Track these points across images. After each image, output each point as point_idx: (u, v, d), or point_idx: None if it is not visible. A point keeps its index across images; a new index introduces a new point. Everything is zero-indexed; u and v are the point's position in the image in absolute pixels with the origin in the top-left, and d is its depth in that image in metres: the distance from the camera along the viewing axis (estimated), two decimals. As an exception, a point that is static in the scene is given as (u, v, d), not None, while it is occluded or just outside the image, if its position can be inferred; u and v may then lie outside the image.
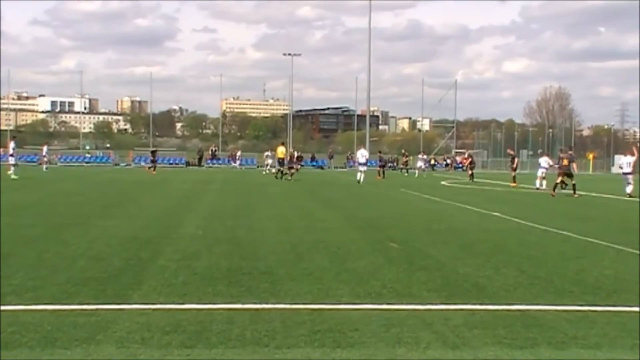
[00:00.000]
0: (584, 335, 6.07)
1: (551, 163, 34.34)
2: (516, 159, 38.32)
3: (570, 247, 12.17)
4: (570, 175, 28.08)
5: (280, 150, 39.93)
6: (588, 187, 32.17)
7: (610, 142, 76.72)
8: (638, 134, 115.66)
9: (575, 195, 26.89)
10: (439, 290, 7.95)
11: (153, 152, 51.72)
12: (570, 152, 29.83)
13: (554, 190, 27.72)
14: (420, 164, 53.36)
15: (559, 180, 28.31)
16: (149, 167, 47.64)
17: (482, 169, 67.84)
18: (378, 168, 45.34)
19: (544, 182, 33.17)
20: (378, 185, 34.55)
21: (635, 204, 24.03)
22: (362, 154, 35.50)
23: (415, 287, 8.13)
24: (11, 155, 36.07)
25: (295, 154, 41.94)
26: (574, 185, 27.62)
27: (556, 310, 7.01)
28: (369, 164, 39.69)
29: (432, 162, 72.30)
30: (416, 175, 49.18)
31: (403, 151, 60.10)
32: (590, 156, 67.38)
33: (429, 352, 5.53)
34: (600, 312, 7.01)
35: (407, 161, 57.19)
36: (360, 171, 35.46)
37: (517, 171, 37.63)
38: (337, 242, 11.91)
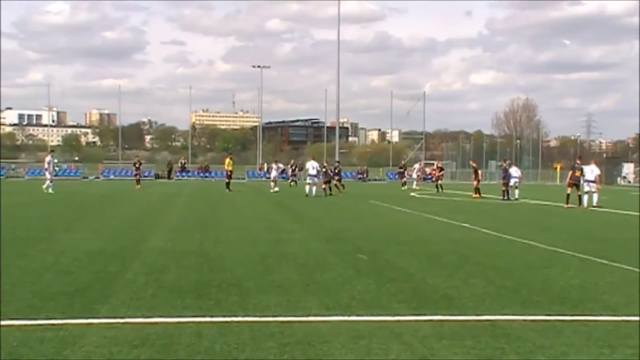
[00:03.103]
0: (551, 345, 6.12)
1: (519, 173, 34.69)
2: (479, 171, 38.28)
3: (537, 257, 12.29)
4: (578, 186, 28.09)
5: (228, 162, 40.63)
6: (555, 197, 32.52)
7: (576, 153, 77.75)
8: (604, 145, 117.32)
9: (567, 206, 26.98)
10: (408, 301, 7.98)
11: (135, 164, 46.87)
12: (578, 162, 29.54)
13: (573, 202, 27.40)
14: (415, 174, 52.42)
15: (569, 191, 27.83)
16: (137, 180, 44.28)
17: (450, 179, 68.26)
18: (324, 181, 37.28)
19: (517, 192, 33.45)
20: (346, 196, 34.56)
21: (596, 214, 24.36)
22: (312, 166, 34.70)
23: (385, 298, 8.15)
24: (46, 169, 35.73)
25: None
26: (579, 196, 27.70)
27: (524, 320, 7.07)
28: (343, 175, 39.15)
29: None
30: (414, 186, 48.75)
31: (402, 163, 58.55)
32: (557, 167, 68.11)
33: (398, 363, 5.54)
34: (567, 321, 7.07)
35: (402, 173, 54.15)
36: (309, 183, 34.11)
37: (485, 182, 37.82)
38: (305, 254, 11.91)
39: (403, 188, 47.19)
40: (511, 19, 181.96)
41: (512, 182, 34.02)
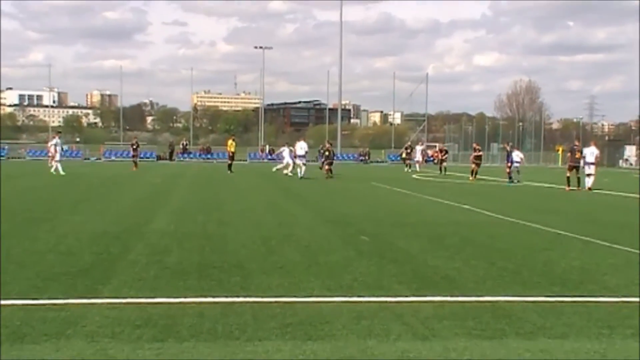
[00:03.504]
0: (552, 325, 6.16)
1: (522, 156, 34.55)
2: (480, 154, 37.90)
3: (539, 239, 12.32)
4: (578, 169, 28.13)
5: (230, 144, 40.49)
6: (557, 180, 32.48)
7: (579, 136, 77.61)
8: (606, 127, 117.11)
9: (569, 189, 27.02)
10: (409, 282, 8.01)
11: (132, 145, 46.43)
12: (577, 144, 29.52)
13: (574, 185, 27.45)
14: (419, 156, 51.91)
15: (569, 174, 27.87)
16: (134, 162, 43.65)
17: (453, 162, 68.20)
18: (321, 163, 39.36)
19: (519, 175, 33.40)
20: (348, 179, 34.58)
21: (598, 196, 24.37)
22: (300, 147, 34.57)
23: (386, 279, 8.18)
24: (54, 151, 35.70)
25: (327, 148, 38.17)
26: (578, 179, 27.75)
27: (524, 302, 7.11)
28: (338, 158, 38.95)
29: (404, 155, 72.40)
30: (417, 168, 48.59)
31: (409, 144, 58.12)
32: (560, 149, 68.06)
33: (399, 343, 5.58)
34: (568, 302, 7.12)
35: (409, 153, 52.99)
36: (297, 164, 33.92)
37: (486, 164, 37.54)
38: (308, 236, 11.94)
39: (407, 170, 47.09)
40: (516, 0, 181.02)
41: (513, 166, 33.92)
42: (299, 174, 33.23)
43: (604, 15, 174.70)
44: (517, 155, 34.61)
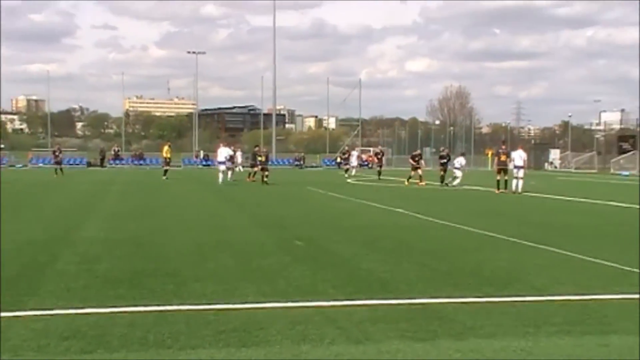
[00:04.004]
0: (481, 325, 6.28)
1: (462, 163, 34.94)
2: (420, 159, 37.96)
3: (469, 240, 12.56)
4: (506, 171, 28.68)
5: (166, 150, 40.20)
6: (487, 182, 33.09)
7: (505, 139, 79.31)
8: (532, 131, 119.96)
9: (499, 192, 27.59)
10: (343, 286, 8.06)
11: (55, 152, 45.13)
12: (504, 147, 30.17)
13: (502, 188, 28.03)
14: (354, 161, 52.00)
15: (499, 177, 28.54)
16: (55, 169, 42.46)
17: (387, 166, 68.84)
18: (253, 167, 37.71)
19: (457, 180, 33.48)
20: (283, 184, 34.59)
21: (525, 198, 24.96)
22: (221, 152, 34.51)
23: (321, 284, 8.21)
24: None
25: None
26: (505, 181, 28.26)
27: (455, 302, 7.23)
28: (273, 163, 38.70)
29: (338, 160, 72.74)
30: (353, 173, 48.66)
31: (346, 148, 58.02)
32: (489, 153, 69.44)
33: (333, 347, 5.61)
34: (496, 302, 7.28)
35: (346, 158, 53.34)
36: (221, 171, 33.82)
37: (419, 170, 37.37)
38: (242, 241, 11.91)
39: (345, 175, 47.02)
40: (445, 8, 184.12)
41: (458, 172, 33.95)
42: (224, 179, 33.09)
43: (528, 23, 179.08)
44: (458, 162, 34.99)
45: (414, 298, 7.40)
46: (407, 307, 7.02)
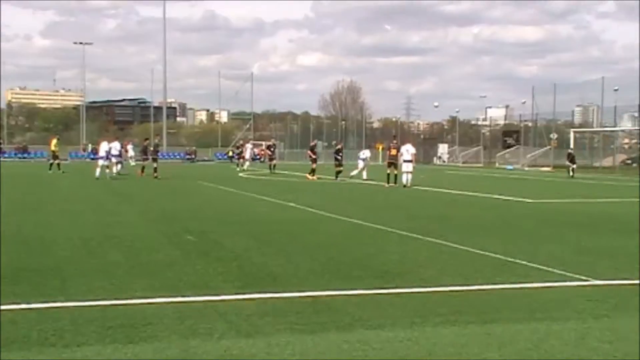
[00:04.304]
0: (369, 317, 6.40)
1: (368, 155, 35.45)
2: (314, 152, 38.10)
3: (360, 234, 12.77)
4: (396, 165, 29.16)
5: (54, 143, 39.05)
6: (378, 176, 33.65)
7: (396, 134, 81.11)
8: (422, 126, 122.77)
9: (388, 185, 28.05)
10: (234, 280, 8.05)
11: None
12: (395, 142, 30.63)
13: (392, 181, 28.50)
14: (248, 154, 51.48)
15: (389, 171, 29.03)
16: None
17: (279, 160, 69.03)
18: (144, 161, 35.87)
19: (364, 173, 33.99)
20: (174, 178, 34.12)
21: (415, 192, 25.58)
22: (103, 147, 34.05)
23: (211, 278, 8.18)
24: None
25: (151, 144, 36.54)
26: (395, 175, 28.71)
27: (345, 295, 7.34)
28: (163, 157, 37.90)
29: (230, 154, 72.34)
30: (246, 165, 48.16)
31: (241, 142, 57.09)
32: (380, 147, 70.62)
33: (222, 342, 5.59)
34: (385, 294, 7.43)
35: (240, 152, 51.83)
36: (99, 165, 33.02)
37: (309, 162, 37.55)
38: (131, 236, 11.69)
39: (238, 169, 46.59)
40: (336, 3, 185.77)
41: (361, 163, 34.47)
42: (104, 174, 32.22)
43: (417, 20, 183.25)
44: (363, 154, 35.45)
45: (304, 291, 7.46)
46: (297, 300, 7.08)
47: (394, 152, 29.37)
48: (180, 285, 7.72)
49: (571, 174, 42.81)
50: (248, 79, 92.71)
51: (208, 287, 7.66)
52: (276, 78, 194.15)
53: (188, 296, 7.14)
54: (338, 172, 33.64)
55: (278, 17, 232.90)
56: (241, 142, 58.48)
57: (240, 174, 39.95)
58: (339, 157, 34.60)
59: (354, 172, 33.79)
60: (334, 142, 37.68)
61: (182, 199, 21.42)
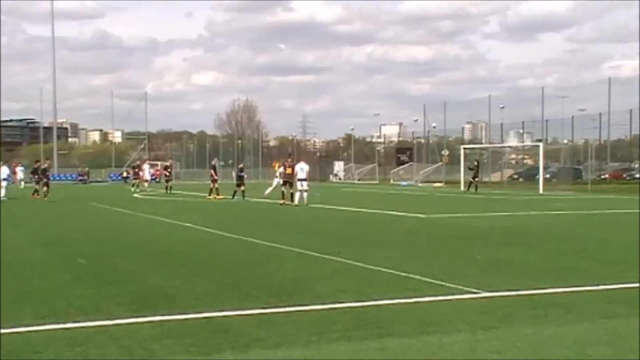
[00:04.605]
0: (266, 336, 6.39)
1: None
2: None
3: (257, 253, 12.76)
4: (291, 184, 29.14)
5: None
6: (275, 195, 33.67)
7: (290, 152, 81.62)
8: (318, 144, 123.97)
9: (282, 202, 28.10)
10: (128, 303, 7.89)
11: None
12: (290, 160, 30.70)
13: (288, 199, 28.49)
14: (147, 175, 50.24)
15: (283, 189, 29.03)
16: None
17: (175, 180, 68.16)
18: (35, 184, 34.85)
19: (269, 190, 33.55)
20: (67, 200, 33.14)
21: (311, 210, 25.77)
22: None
23: (104, 302, 7.99)
24: None
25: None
26: (291, 194, 28.72)
27: (241, 315, 7.31)
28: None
29: (125, 174, 70.89)
30: (146, 186, 46.91)
31: (138, 162, 55.47)
32: (276, 165, 70.85)
33: (115, 367, 5.47)
34: (281, 313, 7.43)
35: (137, 172, 50.08)
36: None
37: (208, 182, 37.17)
38: (19, 261, 11.30)
39: (133, 189, 45.44)
40: (231, 22, 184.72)
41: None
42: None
43: (311, 39, 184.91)
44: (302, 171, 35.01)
45: (201, 312, 7.40)
46: (193, 322, 7.01)
47: (289, 170, 29.51)
48: (70, 310, 7.50)
49: (472, 189, 43.05)
50: (142, 98, 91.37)
51: (100, 311, 7.48)
52: (171, 97, 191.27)
53: (79, 322, 6.94)
54: (239, 192, 33.02)
55: (172, 36, 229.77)
56: (137, 162, 57.28)
57: (136, 195, 39.17)
58: (242, 176, 34.33)
59: (268, 191, 33.40)
60: (240, 166, 36.69)
61: (74, 221, 20.84)
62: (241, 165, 36.40)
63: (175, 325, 6.89)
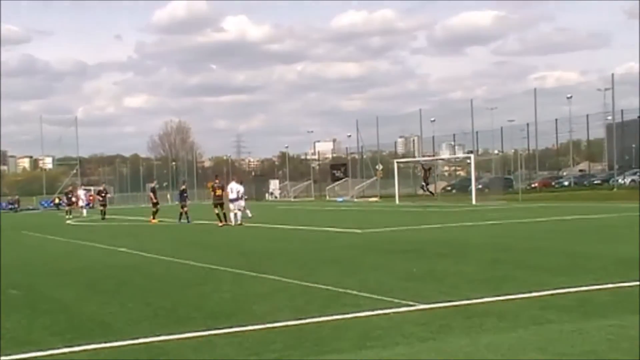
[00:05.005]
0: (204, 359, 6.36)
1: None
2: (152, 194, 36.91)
3: (193, 275, 12.65)
4: (222, 205, 28.98)
5: None
6: (211, 216, 33.47)
7: (229, 172, 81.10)
8: (253, 163, 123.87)
9: (221, 224, 27.95)
10: (62, 333, 7.73)
11: None
12: (217, 181, 30.74)
13: (223, 220, 28.37)
14: (82, 201, 49.02)
15: (216, 211, 28.84)
16: None
17: (110, 205, 67.10)
18: None
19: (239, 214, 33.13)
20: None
21: (247, 229, 25.71)
22: None
23: (37, 333, 7.82)
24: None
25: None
26: (225, 214, 28.53)
27: (179, 339, 7.24)
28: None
29: (57, 201, 69.42)
30: (84, 213, 45.74)
31: (70, 188, 53.88)
32: (210, 186, 70.40)
33: (50, 399, 5.36)
34: (220, 335, 7.39)
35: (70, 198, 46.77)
36: None
37: (144, 205, 37.01)
38: (-53, 295, 10.93)
39: (67, 216, 44.27)
40: (160, 43, 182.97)
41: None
42: None
43: (242, 58, 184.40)
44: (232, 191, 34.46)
45: (137, 338, 7.30)
46: (130, 348, 6.92)
47: (218, 192, 29.43)
48: (2, 344, 7.31)
49: (428, 193, 43.19)
50: (72, 123, 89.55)
51: (33, 342, 7.31)
52: (102, 121, 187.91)
53: (11, 354, 6.78)
54: (184, 214, 32.37)
55: (101, 59, 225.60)
56: (69, 188, 55.98)
57: (69, 222, 38.36)
58: (185, 197, 33.84)
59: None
60: (183, 187, 36.03)
61: (5, 251, 20.28)
62: (183, 187, 35.92)
63: (112, 352, 6.79)
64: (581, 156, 78.83)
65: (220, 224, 28.13)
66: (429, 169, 46.84)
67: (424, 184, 44.32)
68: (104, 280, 12.16)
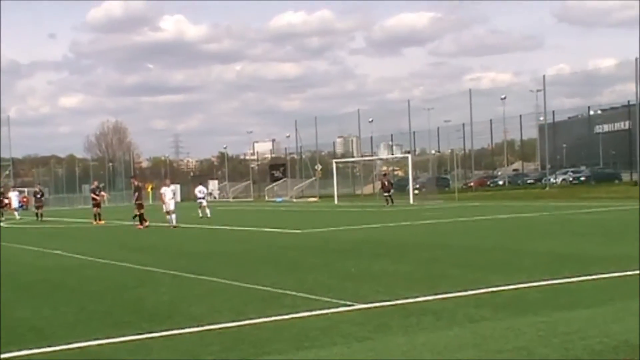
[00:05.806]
0: (140, 364, 6.28)
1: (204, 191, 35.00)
2: (99, 195, 36.11)
3: (130, 277, 12.48)
4: (142, 206, 28.75)
5: None
6: (154, 217, 33.07)
7: (167, 173, 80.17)
8: (192, 163, 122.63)
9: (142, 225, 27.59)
10: (-8, 339, 7.53)
11: None
12: (136, 183, 30.91)
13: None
14: (15, 203, 47.54)
15: (138, 212, 28.51)
16: None
17: (45, 206, 65.66)
18: None
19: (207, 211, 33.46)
20: None
21: (184, 231, 25.49)
22: None
23: (-34, 340, 7.59)
24: None
25: None
26: (141, 215, 28.24)
27: (115, 343, 7.13)
28: None
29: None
30: (17, 216, 44.38)
31: (1, 190, 51.97)
32: (150, 187, 69.47)
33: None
34: (156, 338, 7.29)
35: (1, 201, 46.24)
36: None
37: (80, 206, 36.30)
38: None
39: (2, 219, 42.97)
40: (96, 42, 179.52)
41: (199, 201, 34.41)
42: None
43: (180, 58, 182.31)
44: (200, 192, 35.01)
45: (72, 342, 7.15)
46: (64, 353, 6.79)
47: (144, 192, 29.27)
48: None
49: (389, 202, 40.71)
50: (4, 123, 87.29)
51: (-38, 350, 7.10)
52: (36, 121, 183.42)
53: (-61, 362, 6.58)
54: (139, 215, 31.60)
55: (34, 58, 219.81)
56: (1, 189, 54.42)
57: (2, 224, 37.38)
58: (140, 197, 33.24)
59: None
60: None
61: None
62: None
63: (45, 357, 6.66)
64: (515, 156, 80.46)
65: (138, 226, 27.76)
66: (385, 175, 46.74)
67: (386, 194, 41.76)
68: (36, 284, 11.91)
